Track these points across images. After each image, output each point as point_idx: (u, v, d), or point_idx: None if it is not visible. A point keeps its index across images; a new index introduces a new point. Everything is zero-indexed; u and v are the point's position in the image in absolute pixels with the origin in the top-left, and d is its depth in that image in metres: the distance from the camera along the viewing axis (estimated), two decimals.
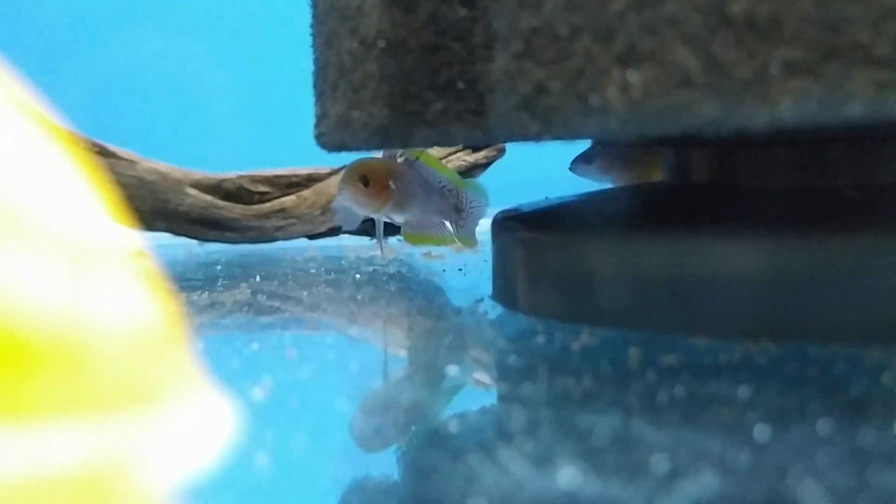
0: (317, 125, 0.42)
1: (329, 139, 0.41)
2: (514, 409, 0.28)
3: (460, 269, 0.56)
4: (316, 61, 0.42)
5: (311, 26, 0.42)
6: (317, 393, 0.29)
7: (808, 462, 0.22)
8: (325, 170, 0.73)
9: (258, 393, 0.28)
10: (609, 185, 0.58)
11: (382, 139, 0.36)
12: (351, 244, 0.73)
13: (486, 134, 0.35)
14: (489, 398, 0.30)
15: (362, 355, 0.34)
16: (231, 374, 0.31)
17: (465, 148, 0.70)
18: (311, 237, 0.72)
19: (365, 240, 0.74)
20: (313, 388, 0.29)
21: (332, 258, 0.66)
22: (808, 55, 0.26)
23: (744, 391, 0.28)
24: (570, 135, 0.31)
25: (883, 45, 0.26)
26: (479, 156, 0.71)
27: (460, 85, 0.35)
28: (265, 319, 0.43)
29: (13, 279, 0.16)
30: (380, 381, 0.30)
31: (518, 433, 0.25)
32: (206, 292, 0.49)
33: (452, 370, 0.32)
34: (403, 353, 0.36)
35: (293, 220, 0.71)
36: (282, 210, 0.71)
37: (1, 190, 0.16)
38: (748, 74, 0.27)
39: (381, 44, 0.35)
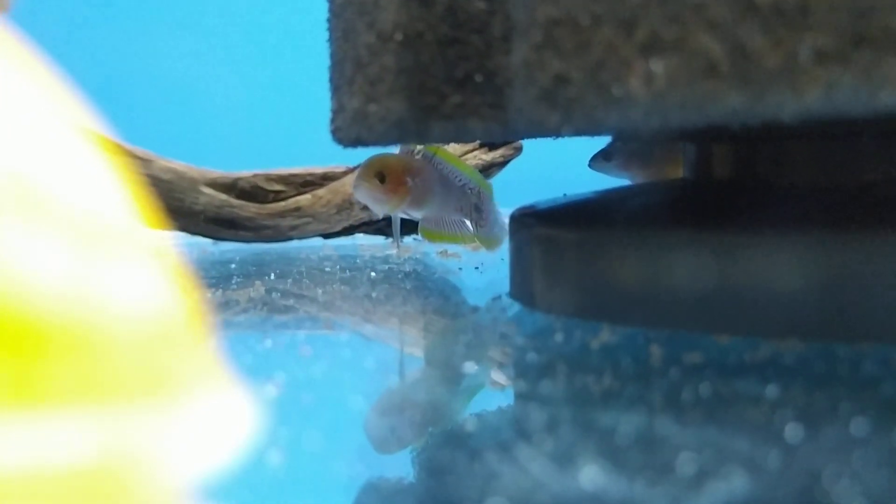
0: (333, 120, 0.41)
1: (345, 134, 0.40)
2: (532, 408, 0.28)
3: (477, 268, 0.55)
4: (332, 56, 0.41)
5: (328, 21, 0.41)
6: (330, 391, 0.28)
7: (840, 464, 0.22)
8: (340, 168, 0.73)
9: (271, 390, 0.28)
10: (628, 183, 0.57)
11: (399, 133, 0.36)
12: (366, 243, 0.73)
13: (504, 128, 0.35)
14: (506, 397, 0.29)
15: (377, 353, 0.34)
16: (245, 372, 0.31)
17: (481, 146, 0.69)
18: (327, 236, 0.72)
19: (380, 239, 0.73)
20: (326, 386, 0.29)
21: (348, 257, 0.66)
22: (837, 42, 0.25)
23: (771, 390, 0.27)
24: (591, 127, 0.30)
25: None
26: (496, 154, 0.70)
27: (478, 78, 0.34)
28: (279, 317, 0.42)
29: (40, 272, 0.15)
30: (394, 380, 0.30)
31: (536, 433, 0.25)
32: (221, 290, 0.48)
33: (469, 368, 0.31)
34: (419, 352, 0.35)
35: (308, 219, 0.71)
36: (297, 209, 0.71)
37: (28, 182, 0.16)
38: (776, 63, 0.26)
39: (399, 37, 0.35)
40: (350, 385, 0.29)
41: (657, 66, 0.28)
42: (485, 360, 0.33)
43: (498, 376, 0.31)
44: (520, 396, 0.29)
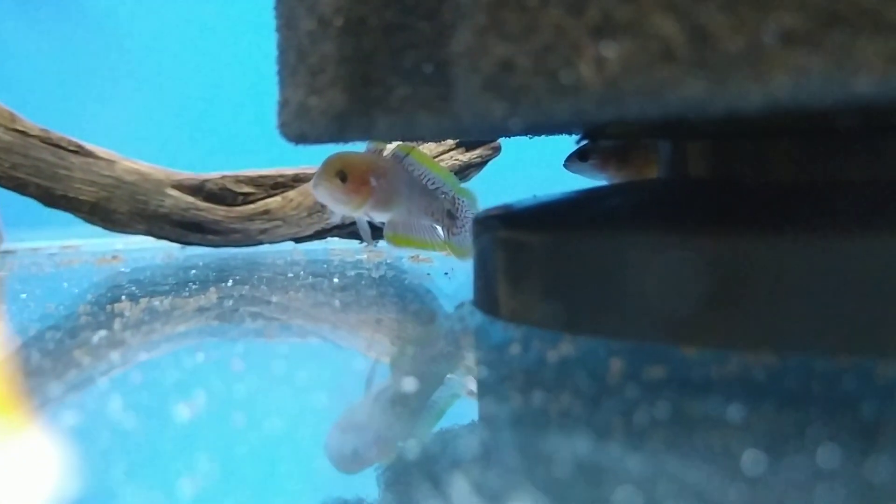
0: (279, 114, 0.39)
1: (290, 129, 0.37)
2: (471, 431, 0.25)
3: (446, 273, 0.52)
4: (278, 45, 0.39)
5: (274, 7, 0.39)
6: (242, 411, 0.25)
7: (808, 500, 0.19)
8: (312, 170, 0.70)
9: (183, 412, 0.25)
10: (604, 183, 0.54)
11: (340, 127, 0.33)
12: (339, 247, 0.70)
13: (456, 122, 0.32)
14: (446, 419, 0.27)
15: (312, 368, 0.31)
16: (158, 390, 0.28)
17: (458, 146, 0.66)
18: (298, 240, 0.69)
19: (354, 243, 0.70)
20: (241, 405, 0.26)
21: (316, 262, 0.63)
22: (807, 22, 0.23)
23: (735, 411, 0.24)
24: (541, 117, 0.28)
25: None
26: (473, 155, 0.67)
27: (427, 68, 0.31)
28: (222, 327, 0.39)
29: None
30: (321, 400, 0.27)
31: (473, 460, 0.22)
32: (171, 297, 0.46)
33: (409, 386, 0.28)
34: (358, 367, 0.32)
35: (278, 223, 0.68)
36: (266, 212, 0.68)
37: None
38: (739, 46, 0.23)
39: (339, 22, 0.32)
40: (266, 406, 0.26)
41: (609, 50, 0.25)
42: (429, 378, 0.30)
43: (440, 396, 0.28)
44: (460, 418, 0.26)
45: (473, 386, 0.29)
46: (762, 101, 0.24)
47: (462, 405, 0.27)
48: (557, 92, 0.26)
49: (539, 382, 0.28)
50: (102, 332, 0.37)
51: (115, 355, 0.33)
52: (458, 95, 0.29)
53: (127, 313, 0.41)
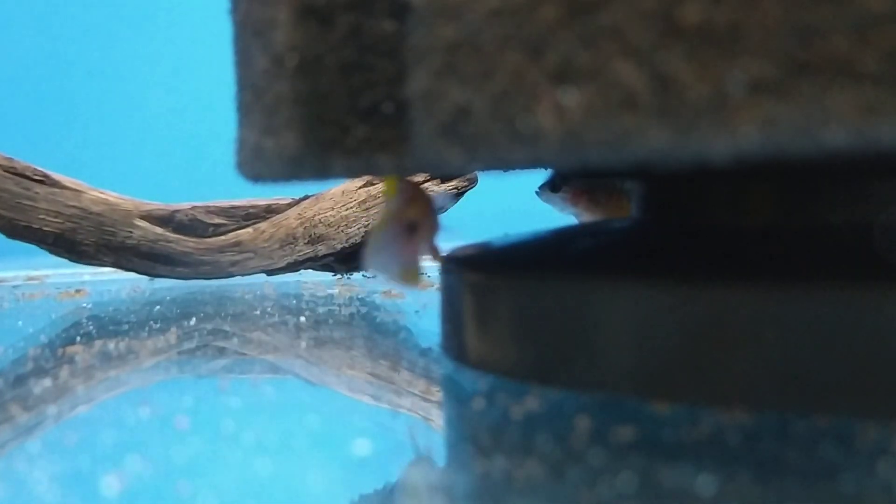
0: (236, 153, 0.37)
1: (246, 169, 0.36)
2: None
3: (417, 311, 0.51)
4: (236, 82, 0.37)
5: (232, 42, 0.37)
6: (171, 483, 0.23)
7: None
8: (285, 200, 0.69)
9: (109, 484, 0.23)
10: (575, 218, 0.53)
11: (294, 170, 0.31)
12: (311, 280, 0.68)
13: (416, 163, 0.30)
14: (386, 495, 0.25)
15: (257, 429, 0.29)
16: (92, 454, 0.26)
17: (432, 178, 0.65)
18: (270, 272, 0.67)
19: (327, 275, 0.69)
20: (175, 472, 0.24)
21: (287, 296, 0.61)
22: (774, 70, 0.21)
23: (705, 483, 0.23)
24: (499, 165, 0.26)
25: (869, 58, 0.21)
26: (449, 186, 0.66)
27: (387, 108, 0.30)
28: (176, 373, 0.37)
29: None
30: (267, 466, 0.25)
31: None
32: (128, 339, 0.44)
33: (361, 450, 0.26)
34: (314, 425, 0.31)
35: (249, 255, 0.67)
36: (237, 244, 0.66)
37: None
38: (703, 95, 0.22)
39: (293, 61, 0.31)
40: (198, 470, 0.25)
41: (569, 97, 0.23)
42: (379, 440, 0.28)
43: (389, 463, 0.27)
44: (399, 490, 0.25)
45: (427, 447, 0.28)
46: (729, 152, 0.22)
47: (403, 476, 0.26)
48: (516, 139, 0.25)
49: (500, 446, 0.27)
50: (47, 382, 0.35)
51: (53, 410, 0.31)
52: (415, 139, 0.28)
53: (78, 358, 0.39)
